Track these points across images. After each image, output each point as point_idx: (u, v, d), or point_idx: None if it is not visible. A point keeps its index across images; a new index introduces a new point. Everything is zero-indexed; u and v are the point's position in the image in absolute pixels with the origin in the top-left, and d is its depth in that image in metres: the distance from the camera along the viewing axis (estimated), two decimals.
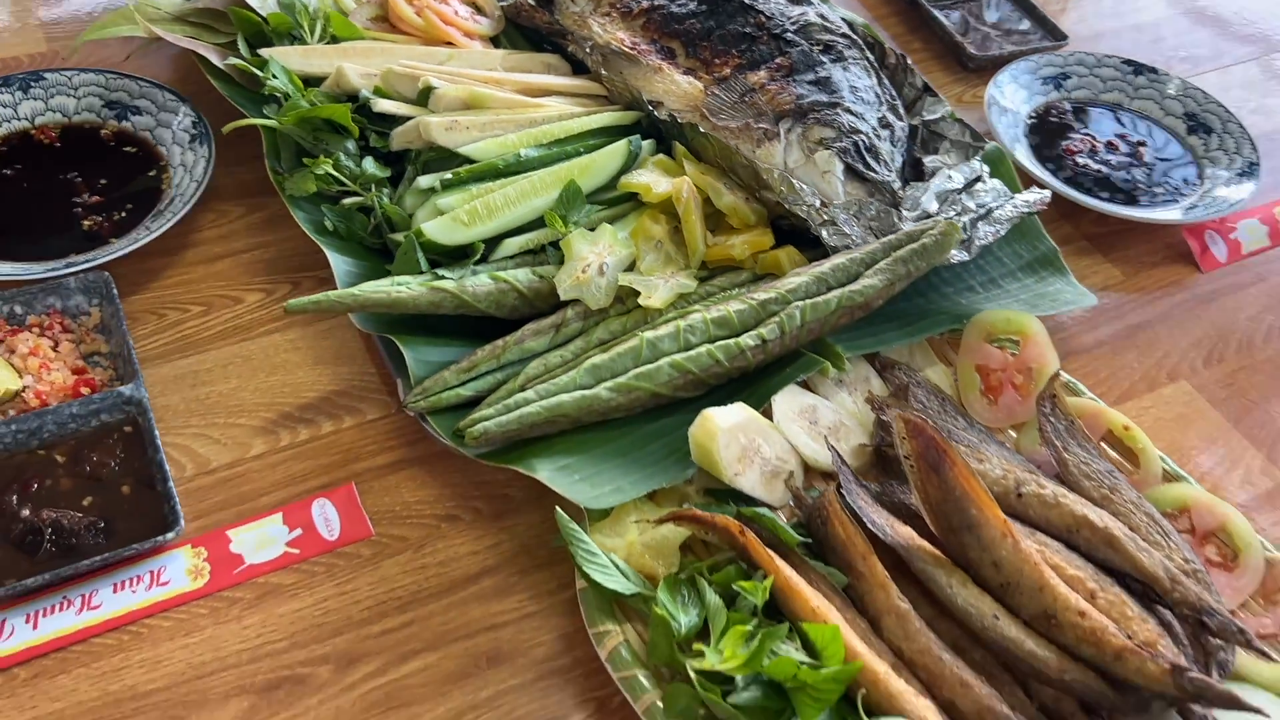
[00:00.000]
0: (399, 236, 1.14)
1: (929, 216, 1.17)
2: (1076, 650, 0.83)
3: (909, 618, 0.87)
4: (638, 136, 1.24)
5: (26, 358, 1.04)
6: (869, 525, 0.91)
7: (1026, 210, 1.20)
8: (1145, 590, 0.89)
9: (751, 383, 1.07)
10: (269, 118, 1.22)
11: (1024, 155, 1.41)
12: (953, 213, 1.18)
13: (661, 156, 1.23)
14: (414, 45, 1.36)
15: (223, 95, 1.28)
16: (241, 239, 1.24)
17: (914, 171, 1.27)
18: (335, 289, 1.07)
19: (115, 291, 1.10)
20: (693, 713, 0.83)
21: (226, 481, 1.02)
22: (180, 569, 0.95)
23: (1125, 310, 1.29)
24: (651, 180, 1.17)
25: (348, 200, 1.18)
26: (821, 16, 1.34)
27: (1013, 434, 1.10)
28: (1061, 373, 1.09)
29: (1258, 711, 0.80)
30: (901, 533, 0.91)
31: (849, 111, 1.22)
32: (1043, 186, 1.26)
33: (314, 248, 1.15)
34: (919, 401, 1.06)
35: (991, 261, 1.25)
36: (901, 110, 1.31)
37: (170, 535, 0.93)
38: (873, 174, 1.18)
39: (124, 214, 1.21)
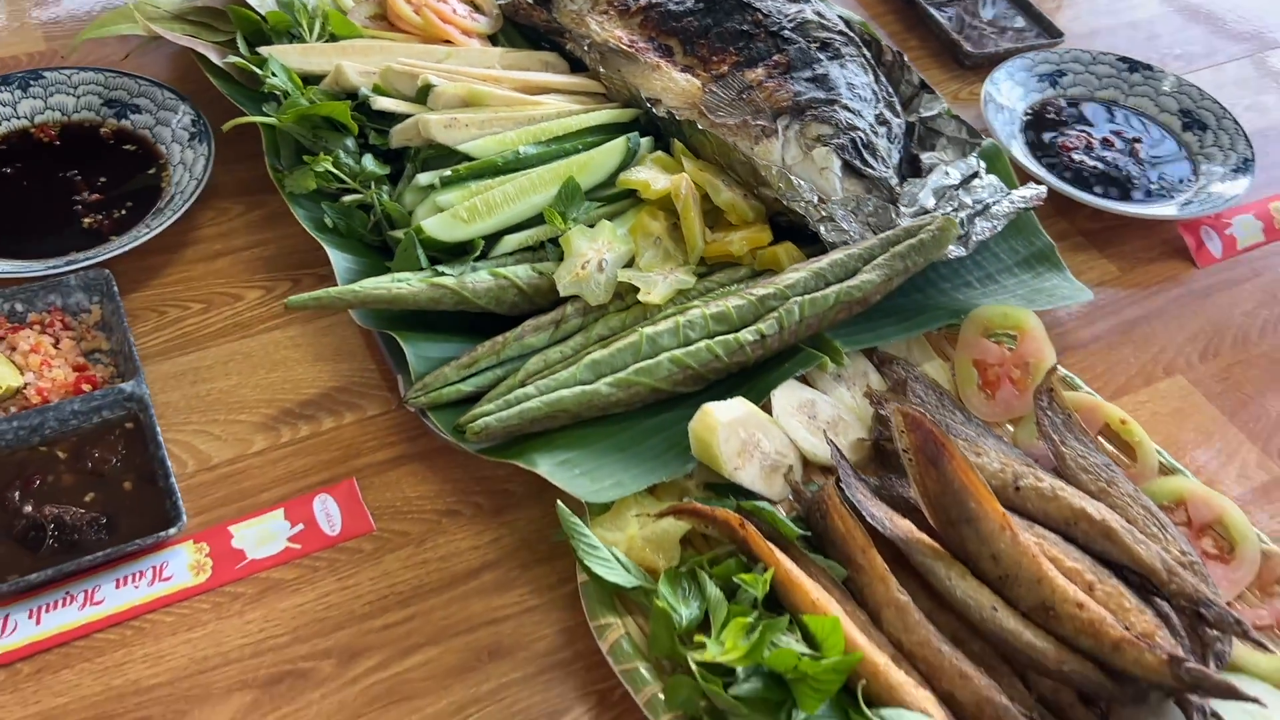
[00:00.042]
0: (399, 234, 1.14)
1: (926, 212, 1.18)
2: (1075, 641, 0.84)
3: (908, 610, 0.87)
4: (636, 134, 1.25)
5: (28, 355, 1.05)
6: (868, 518, 0.91)
7: (1023, 206, 1.20)
8: (1143, 582, 0.89)
9: (751, 378, 1.07)
10: (269, 115, 1.22)
11: (1020, 152, 1.41)
12: (950, 208, 1.19)
13: (660, 153, 1.24)
14: (412, 43, 1.36)
15: (222, 93, 1.28)
16: (241, 236, 1.25)
17: (911, 168, 1.27)
18: (335, 286, 1.07)
19: (116, 289, 1.10)
20: (694, 704, 0.83)
21: (228, 477, 1.02)
22: (182, 564, 0.95)
23: (1121, 305, 1.30)
24: (650, 177, 1.18)
25: (347, 198, 1.19)
26: (819, 14, 1.35)
27: (1010, 428, 1.11)
28: (1058, 367, 1.09)
29: (1255, 700, 0.81)
30: (900, 526, 0.92)
31: (846, 108, 1.23)
32: (1039, 182, 1.26)
33: (313, 245, 1.16)
34: (917, 396, 1.07)
35: (988, 257, 1.26)
36: (898, 107, 1.32)
37: (172, 531, 0.94)
38: (870, 170, 1.19)
39: (124, 212, 1.21)
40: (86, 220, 1.20)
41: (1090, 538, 0.92)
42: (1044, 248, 1.27)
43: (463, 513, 1.02)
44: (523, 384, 1.04)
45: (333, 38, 1.34)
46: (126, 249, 1.14)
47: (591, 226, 1.13)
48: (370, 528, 0.99)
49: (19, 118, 1.29)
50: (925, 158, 1.27)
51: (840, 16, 1.39)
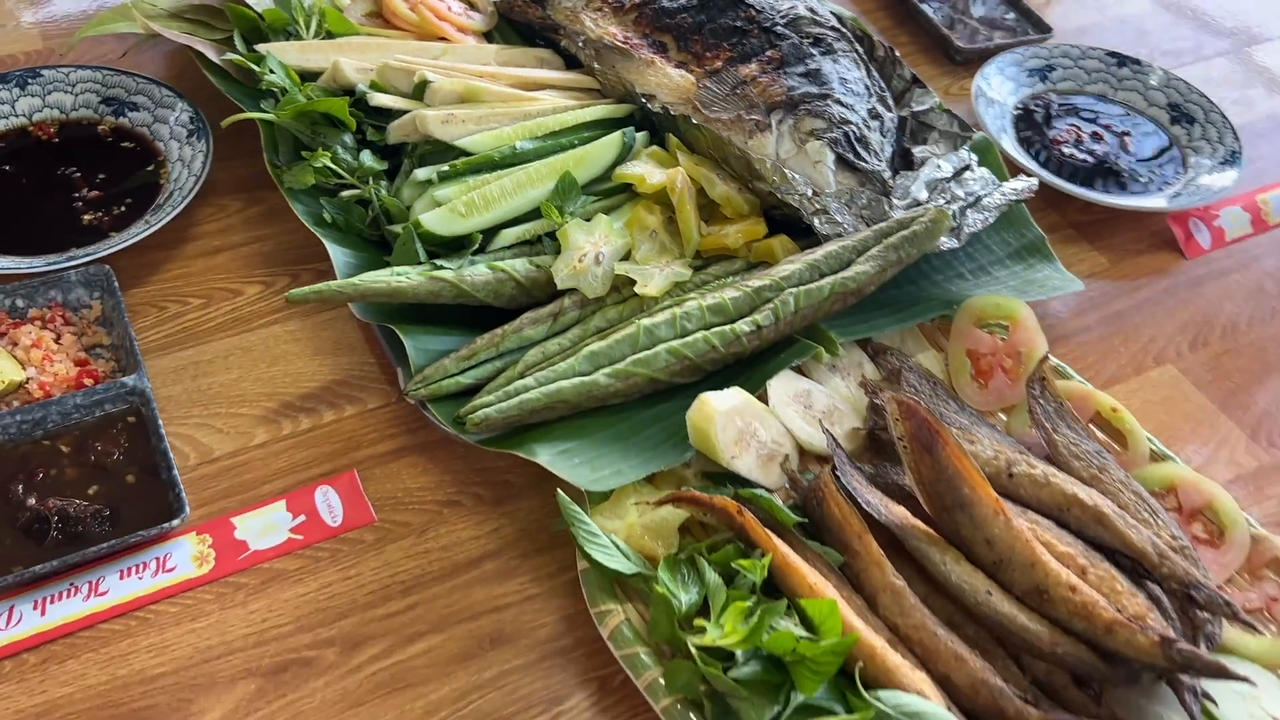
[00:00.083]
0: (397, 228, 1.15)
1: (919, 205, 1.19)
2: (1068, 624, 0.85)
3: (904, 594, 0.88)
4: (631, 129, 1.26)
5: (29, 350, 1.05)
6: (864, 505, 0.93)
7: (1014, 198, 1.22)
8: (1134, 566, 0.91)
9: (747, 368, 1.09)
10: (267, 112, 1.23)
11: (1011, 145, 1.43)
12: (942, 201, 1.20)
13: (655, 148, 1.25)
14: (408, 40, 1.37)
15: (219, 91, 1.29)
16: (239, 232, 1.25)
17: (903, 161, 1.29)
18: (334, 280, 1.08)
19: (116, 284, 1.11)
20: (694, 688, 0.84)
21: (229, 470, 1.03)
22: (186, 555, 0.96)
23: (1112, 296, 1.31)
24: (646, 171, 1.19)
25: (346, 193, 1.20)
26: (811, 10, 1.36)
27: (1003, 417, 1.12)
28: (1050, 357, 1.11)
29: (1244, 679, 0.82)
30: (896, 512, 0.93)
31: (839, 103, 1.24)
32: (1030, 176, 1.28)
33: (311, 241, 1.17)
34: (911, 386, 1.08)
35: (980, 249, 1.27)
36: (890, 102, 1.33)
37: (175, 522, 0.94)
38: (863, 164, 1.20)
39: (123, 208, 1.22)
40: (86, 217, 1.21)
41: (1083, 523, 0.93)
42: (1035, 239, 1.29)
43: (463, 503, 1.03)
44: (522, 375, 1.05)
45: (329, 35, 1.35)
46: (126, 245, 1.14)
47: (588, 220, 1.14)
48: (372, 518, 1.00)
49: (17, 116, 1.29)
50: (917, 151, 1.28)
51: (832, 12, 1.41)
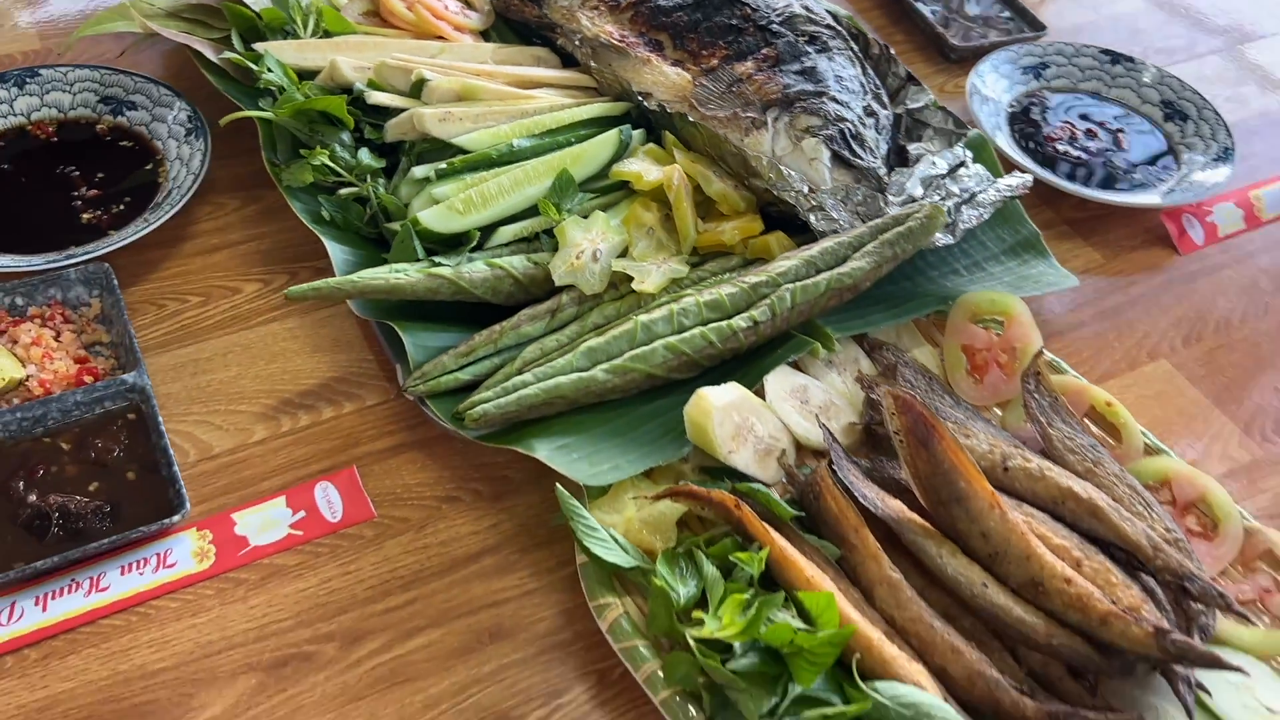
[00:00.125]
0: (395, 226, 1.16)
1: (914, 201, 1.20)
2: (1063, 616, 0.86)
3: (901, 587, 0.89)
4: (628, 126, 1.26)
5: (29, 348, 1.06)
6: (860, 499, 0.93)
7: (1009, 194, 1.23)
8: (1129, 558, 0.91)
9: (744, 364, 1.09)
10: (265, 110, 1.23)
11: (1005, 142, 1.43)
12: (937, 197, 1.21)
13: (652, 145, 1.26)
14: (405, 39, 1.38)
15: (217, 89, 1.30)
16: (238, 230, 1.26)
17: (899, 158, 1.29)
18: (333, 277, 1.09)
19: (115, 282, 1.11)
20: (692, 680, 0.85)
21: (229, 466, 1.03)
22: (186, 551, 0.96)
23: (1106, 292, 1.32)
24: (642, 168, 1.20)
25: (344, 191, 1.20)
26: (806, 8, 1.37)
27: (998, 411, 1.13)
28: (1045, 351, 1.12)
29: (1238, 670, 0.83)
30: (892, 506, 0.93)
31: (835, 100, 1.25)
32: (1024, 172, 1.28)
33: (309, 239, 1.17)
34: (907, 381, 1.09)
35: (975, 245, 1.28)
36: (885, 99, 1.34)
37: (176, 518, 0.95)
38: (859, 160, 1.21)
39: (122, 207, 1.22)
40: (85, 216, 1.21)
41: (1077, 516, 0.94)
42: (1030, 236, 1.29)
43: (462, 499, 1.03)
44: (520, 372, 1.05)
45: (327, 34, 1.36)
46: (125, 243, 1.15)
47: (585, 218, 1.14)
48: (371, 514, 1.01)
49: (16, 115, 1.30)
50: (912, 148, 1.29)
51: (827, 11, 1.41)
